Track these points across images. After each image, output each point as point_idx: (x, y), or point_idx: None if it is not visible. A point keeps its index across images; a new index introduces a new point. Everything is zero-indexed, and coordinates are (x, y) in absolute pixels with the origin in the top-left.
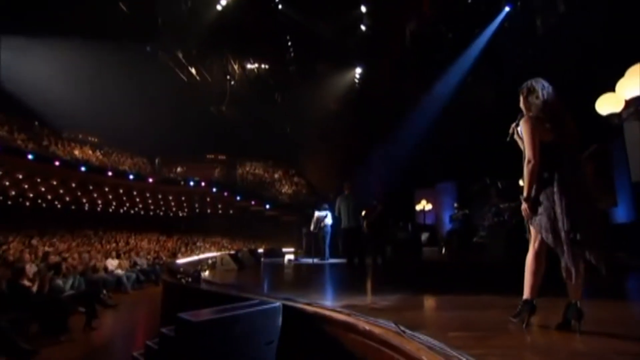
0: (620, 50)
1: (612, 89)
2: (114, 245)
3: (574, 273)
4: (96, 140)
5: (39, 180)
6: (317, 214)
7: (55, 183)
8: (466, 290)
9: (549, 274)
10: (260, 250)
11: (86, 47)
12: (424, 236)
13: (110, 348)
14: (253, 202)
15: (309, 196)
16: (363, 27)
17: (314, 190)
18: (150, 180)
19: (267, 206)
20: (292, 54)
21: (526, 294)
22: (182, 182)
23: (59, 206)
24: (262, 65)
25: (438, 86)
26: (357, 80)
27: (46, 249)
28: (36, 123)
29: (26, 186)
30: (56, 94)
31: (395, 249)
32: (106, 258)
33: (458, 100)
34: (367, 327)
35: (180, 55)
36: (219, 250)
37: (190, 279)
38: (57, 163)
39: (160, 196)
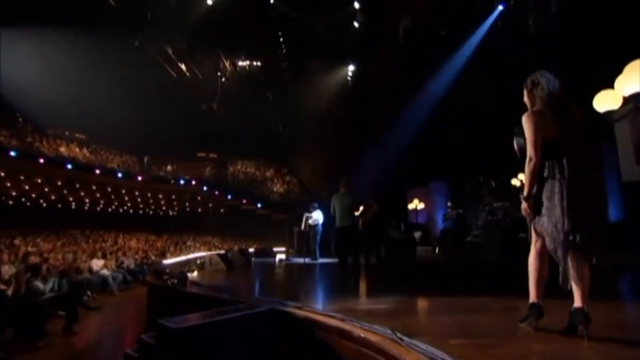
0: (611, 51)
1: (603, 88)
2: (100, 245)
3: (576, 276)
4: (83, 137)
5: (22, 178)
6: (306, 213)
7: (39, 181)
8: (463, 292)
9: (554, 273)
10: (251, 250)
11: (72, 41)
12: (416, 235)
13: (91, 353)
14: (244, 201)
15: (300, 195)
16: (356, 24)
17: (305, 189)
18: (140, 178)
19: (259, 205)
20: (284, 50)
21: (532, 296)
22: (172, 181)
23: (44, 205)
24: (254, 63)
25: (431, 85)
26: (349, 78)
27: (29, 249)
28: (20, 119)
29: (9, 184)
30: (41, 89)
31: (389, 249)
32: (91, 258)
33: (451, 99)
34: (363, 334)
35: (170, 51)
36: (209, 249)
37: (175, 281)
38: (41, 160)
39: (149, 195)
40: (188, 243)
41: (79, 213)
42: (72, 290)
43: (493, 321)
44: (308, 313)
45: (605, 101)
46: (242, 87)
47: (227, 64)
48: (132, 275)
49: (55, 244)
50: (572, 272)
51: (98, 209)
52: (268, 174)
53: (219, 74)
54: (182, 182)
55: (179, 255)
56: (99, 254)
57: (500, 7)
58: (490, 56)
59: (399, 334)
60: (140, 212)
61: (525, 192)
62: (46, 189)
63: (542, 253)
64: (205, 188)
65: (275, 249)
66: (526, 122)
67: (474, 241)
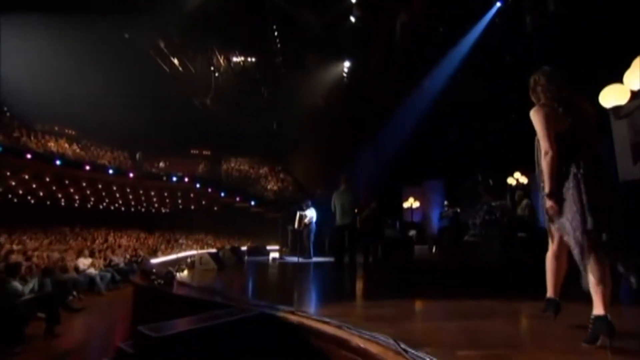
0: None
1: (601, 87)
2: (90, 243)
3: (597, 279)
4: (73, 133)
5: (8, 173)
6: (300, 211)
7: (27, 177)
8: (464, 294)
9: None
10: (244, 248)
11: (60, 33)
12: (411, 234)
13: (73, 358)
14: (238, 199)
15: (295, 193)
16: (352, 19)
17: (300, 187)
18: (131, 175)
19: (252, 203)
20: (279, 45)
21: (549, 292)
22: (165, 178)
23: (32, 202)
24: (249, 59)
25: (427, 82)
26: (345, 74)
27: (14, 247)
28: (8, 114)
29: None
30: (30, 84)
31: (386, 248)
32: (78, 257)
33: (447, 97)
34: (362, 344)
35: (162, 45)
36: (202, 247)
37: (162, 282)
38: (28, 156)
39: (141, 192)
40: (180, 241)
41: (69, 210)
42: (54, 291)
43: (499, 327)
44: (302, 318)
45: (613, 96)
46: (236, 83)
47: (221, 60)
48: (121, 274)
49: (42, 242)
50: (592, 274)
51: (88, 206)
52: (262, 171)
53: (212, 68)
54: (174, 179)
55: (170, 253)
56: (86, 252)
57: (498, 4)
58: (487, 54)
59: (402, 345)
60: (132, 209)
61: (547, 189)
62: (34, 186)
63: (559, 253)
64: (198, 185)
65: (268, 247)
66: (535, 116)
67: (471, 240)
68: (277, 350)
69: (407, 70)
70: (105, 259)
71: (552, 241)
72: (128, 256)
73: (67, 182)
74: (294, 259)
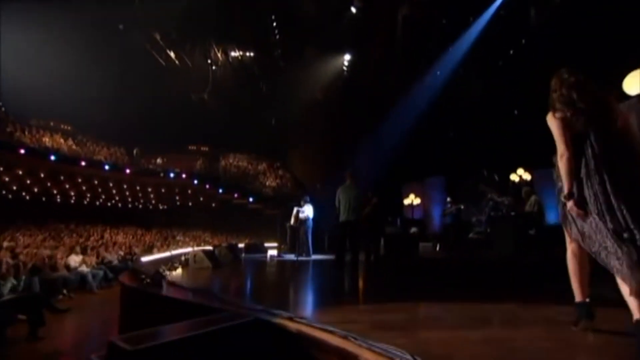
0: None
1: (605, 82)
2: (85, 239)
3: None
4: (69, 128)
5: (1, 169)
6: (297, 207)
7: (20, 173)
8: (480, 297)
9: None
10: (241, 246)
11: (56, 23)
12: (413, 231)
13: None
14: (236, 195)
15: (294, 189)
16: (353, 9)
17: (299, 183)
18: (128, 171)
19: (251, 199)
20: (278, 37)
21: (577, 296)
22: (162, 174)
23: (27, 198)
24: (247, 53)
25: (428, 77)
26: (345, 68)
27: (5, 244)
28: (3, 109)
29: None
30: (25, 78)
31: (390, 245)
32: (69, 254)
33: (448, 92)
34: None
35: (158, 37)
36: (199, 244)
37: (150, 281)
38: (22, 151)
39: (138, 188)
40: (178, 238)
41: (65, 207)
42: (39, 291)
43: (528, 337)
44: (301, 326)
45: (638, 82)
46: (234, 78)
47: (218, 54)
48: (114, 272)
49: (35, 238)
50: (628, 278)
51: (85, 202)
52: (260, 167)
53: (209, 61)
54: (172, 175)
55: (165, 250)
56: (78, 249)
57: None
58: (490, 48)
59: None
60: (129, 205)
61: (566, 190)
62: (28, 182)
63: (578, 253)
64: (195, 181)
65: (266, 245)
66: (549, 121)
67: (476, 238)
68: None
69: (408, 65)
70: (97, 256)
71: (569, 243)
72: (122, 253)
73: (62, 178)
74: (292, 257)
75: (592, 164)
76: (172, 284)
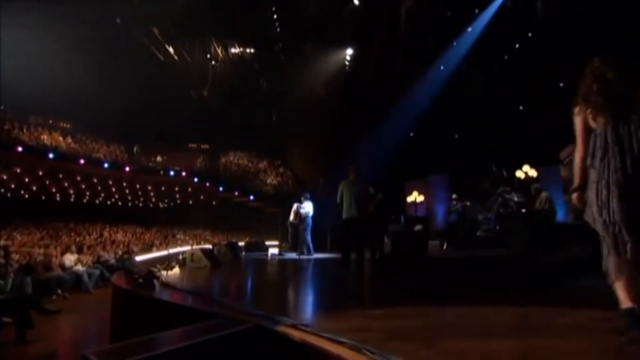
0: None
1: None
2: (83, 238)
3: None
4: (68, 126)
5: None
6: (297, 203)
7: (19, 171)
8: (501, 299)
9: None
10: (241, 244)
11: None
12: (417, 228)
13: None
14: (236, 193)
15: (294, 187)
16: (356, 1)
17: (300, 181)
18: (127, 169)
19: (251, 197)
20: (279, 30)
21: (623, 302)
22: (162, 172)
23: (26, 196)
24: (247, 50)
25: (432, 72)
26: (347, 63)
27: (2, 243)
28: (2, 107)
29: None
30: (23, 75)
31: (398, 243)
32: (64, 253)
33: (452, 87)
34: None
35: (157, 32)
36: (199, 243)
37: (141, 281)
38: (20, 149)
39: (138, 186)
40: (178, 236)
41: (64, 205)
42: (26, 292)
43: (569, 348)
44: (307, 335)
45: None
46: (235, 74)
47: (218, 50)
48: (111, 271)
49: (32, 237)
50: (609, 266)
51: (84, 201)
52: (261, 165)
53: (208, 56)
54: (172, 173)
55: (165, 249)
56: (73, 248)
57: None
58: (495, 42)
59: None
60: (129, 204)
61: (576, 183)
62: (26, 180)
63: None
64: (196, 180)
65: (267, 243)
66: (573, 116)
67: (483, 235)
68: None
69: (411, 60)
70: (94, 255)
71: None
72: (120, 252)
73: (61, 176)
74: (294, 255)
75: (600, 160)
76: (166, 285)
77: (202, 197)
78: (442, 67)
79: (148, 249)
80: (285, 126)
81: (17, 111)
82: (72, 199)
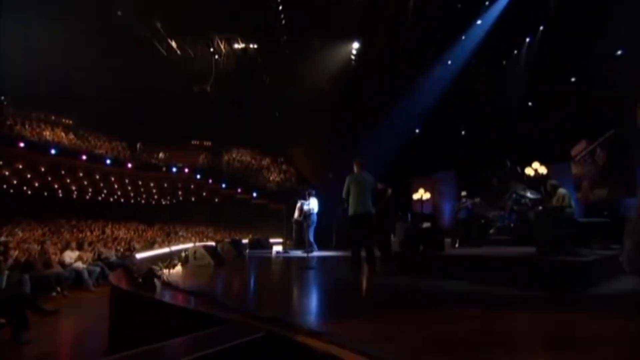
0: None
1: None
2: (84, 235)
3: None
4: (70, 122)
5: (1, 163)
6: (301, 199)
7: (21, 167)
8: (540, 304)
9: None
10: (245, 241)
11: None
12: (425, 226)
13: None
14: (239, 190)
15: (298, 184)
16: None
17: (303, 178)
18: (129, 165)
19: (254, 194)
20: (284, 22)
21: None
22: (164, 168)
23: (28, 192)
24: (250, 45)
25: (439, 66)
26: (353, 57)
27: (2, 239)
28: (5, 103)
29: None
30: (26, 70)
31: (413, 240)
32: (64, 250)
33: (460, 82)
34: None
35: (159, 25)
36: (202, 240)
37: (141, 281)
38: (21, 145)
39: (140, 183)
40: (180, 233)
41: (66, 201)
42: (25, 289)
43: None
44: (329, 345)
45: None
46: (238, 70)
47: (221, 45)
48: (112, 268)
49: (34, 233)
50: None
51: (86, 197)
52: (264, 162)
53: (212, 50)
54: (174, 169)
55: (167, 246)
56: (73, 244)
57: None
58: (505, 36)
59: None
60: (131, 200)
61: None
62: (29, 176)
63: None
64: (198, 176)
65: (272, 240)
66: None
67: (497, 233)
68: None
69: (418, 53)
70: (95, 252)
71: None
72: (121, 249)
73: (63, 172)
74: (299, 253)
75: None
76: (168, 285)
77: (204, 194)
78: (449, 62)
79: (150, 246)
80: (288, 122)
81: (19, 107)
82: (74, 196)
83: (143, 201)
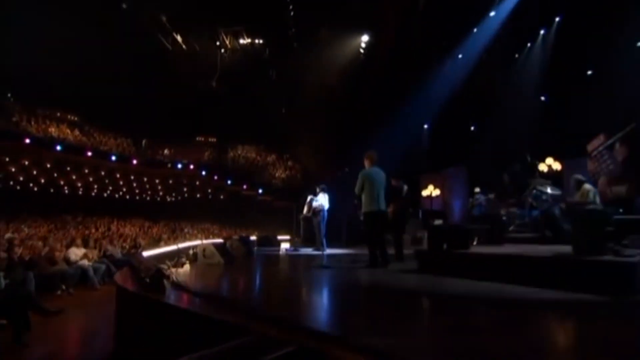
0: None
1: None
2: (90, 231)
3: None
4: (76, 119)
5: (7, 159)
6: (311, 195)
7: (26, 163)
8: (588, 309)
9: None
10: (253, 238)
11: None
12: (437, 223)
13: None
14: (245, 187)
15: (304, 181)
16: None
17: (308, 175)
18: (135, 162)
19: (260, 191)
20: (293, 13)
21: None
22: (170, 165)
23: (35, 189)
24: (257, 40)
25: (450, 61)
26: (362, 50)
27: (8, 235)
28: (12, 99)
29: None
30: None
31: (437, 239)
32: (69, 246)
33: (471, 76)
34: None
35: (164, 19)
36: (207, 237)
37: (148, 281)
38: (27, 141)
39: (145, 179)
40: (186, 230)
41: (72, 198)
42: (29, 287)
43: None
44: None
45: None
46: (244, 65)
47: (226, 40)
48: (117, 265)
49: (40, 229)
50: None
51: (93, 194)
52: (269, 159)
53: (218, 43)
54: (179, 166)
55: (174, 243)
56: (79, 241)
57: None
58: (519, 29)
59: None
60: (137, 197)
61: None
62: (34, 172)
63: None
64: (203, 173)
65: (280, 238)
66: None
67: (516, 231)
68: None
69: (430, 46)
70: (100, 249)
71: None
72: (127, 246)
73: (68, 168)
74: (309, 251)
75: None
76: (178, 285)
77: (210, 190)
78: (460, 56)
79: (155, 243)
80: (294, 118)
81: (25, 103)
82: (79, 192)
83: (148, 198)
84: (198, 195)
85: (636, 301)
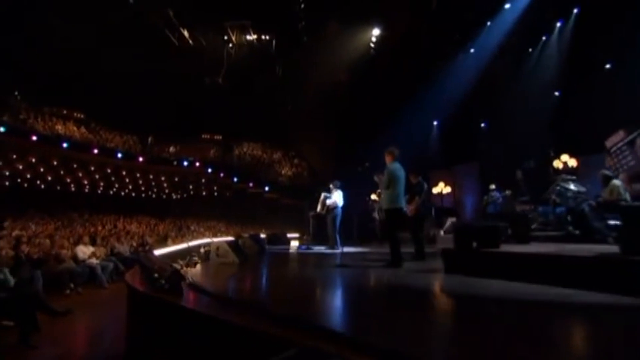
0: None
1: None
2: (97, 229)
3: None
4: (82, 116)
5: (14, 157)
6: (325, 192)
7: (33, 160)
8: None
9: None
10: (263, 236)
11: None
12: (450, 221)
13: None
14: (251, 184)
15: (310, 178)
16: None
17: (315, 172)
18: (141, 159)
19: (266, 188)
20: (302, 5)
21: None
22: (175, 162)
23: (42, 187)
24: (264, 36)
25: (462, 55)
26: (372, 45)
27: (15, 233)
28: (18, 97)
29: (0, 163)
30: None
31: (466, 238)
32: (77, 244)
33: (483, 71)
34: None
35: (171, 14)
36: (214, 235)
37: (165, 284)
38: (34, 138)
39: (151, 177)
40: (192, 228)
41: (78, 196)
42: (37, 286)
43: None
44: None
45: None
46: (250, 62)
47: (233, 36)
48: (125, 264)
49: (47, 227)
50: None
51: (99, 191)
52: (275, 156)
53: (225, 37)
54: (185, 163)
55: (181, 241)
56: (86, 239)
57: None
58: (535, 22)
59: None
60: (143, 195)
61: None
62: (41, 169)
63: None
64: (209, 170)
65: (289, 235)
66: None
67: (541, 229)
68: None
69: (442, 40)
70: (106, 247)
71: None
72: (134, 244)
73: (75, 166)
74: (322, 249)
75: None
76: (194, 286)
77: (216, 188)
78: (472, 50)
79: (162, 240)
80: (301, 115)
81: (32, 100)
82: (86, 190)
83: (154, 195)
84: (204, 193)
85: None
